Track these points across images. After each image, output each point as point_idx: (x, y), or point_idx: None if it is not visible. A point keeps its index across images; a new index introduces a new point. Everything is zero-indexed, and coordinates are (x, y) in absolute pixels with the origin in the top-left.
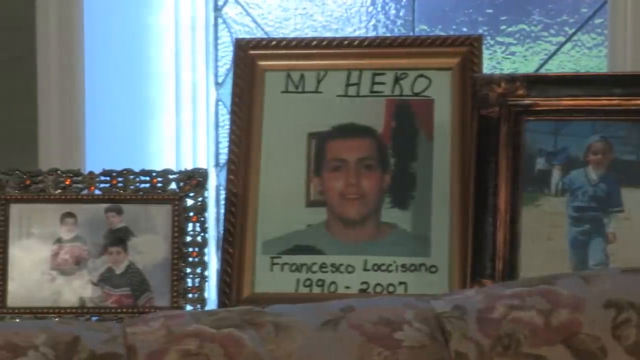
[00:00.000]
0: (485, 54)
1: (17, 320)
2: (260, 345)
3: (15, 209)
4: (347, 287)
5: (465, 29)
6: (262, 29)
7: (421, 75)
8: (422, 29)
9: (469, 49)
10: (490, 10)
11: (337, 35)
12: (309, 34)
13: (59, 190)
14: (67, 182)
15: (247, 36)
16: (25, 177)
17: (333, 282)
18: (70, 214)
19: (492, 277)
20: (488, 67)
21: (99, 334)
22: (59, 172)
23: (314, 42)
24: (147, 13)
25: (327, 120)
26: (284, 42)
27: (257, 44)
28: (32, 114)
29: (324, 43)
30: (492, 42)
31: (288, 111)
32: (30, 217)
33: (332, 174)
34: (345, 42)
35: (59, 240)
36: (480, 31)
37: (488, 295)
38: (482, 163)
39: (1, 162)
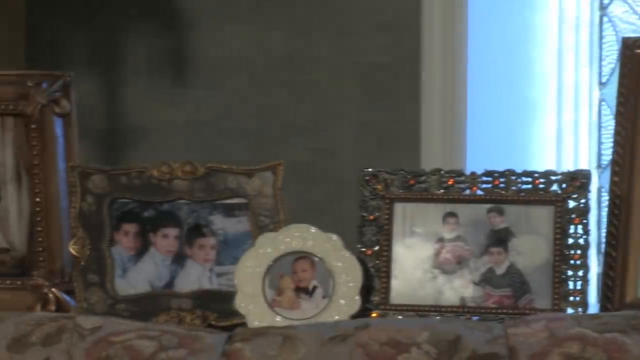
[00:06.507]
0: None
1: (400, 317)
2: None
3: (399, 208)
4: None
5: None
6: None
7: None
8: None
9: None
10: None
11: None
12: None
13: (442, 190)
14: (449, 182)
15: (634, 34)
16: (409, 177)
17: None
18: (452, 214)
19: None
20: None
21: (481, 333)
22: (442, 172)
23: None
24: (530, 13)
25: None
26: None
27: None
28: (415, 114)
29: None
30: None
31: None
32: (413, 216)
33: None
34: None
35: (441, 240)
36: None
37: None
38: None
39: (386, 162)
